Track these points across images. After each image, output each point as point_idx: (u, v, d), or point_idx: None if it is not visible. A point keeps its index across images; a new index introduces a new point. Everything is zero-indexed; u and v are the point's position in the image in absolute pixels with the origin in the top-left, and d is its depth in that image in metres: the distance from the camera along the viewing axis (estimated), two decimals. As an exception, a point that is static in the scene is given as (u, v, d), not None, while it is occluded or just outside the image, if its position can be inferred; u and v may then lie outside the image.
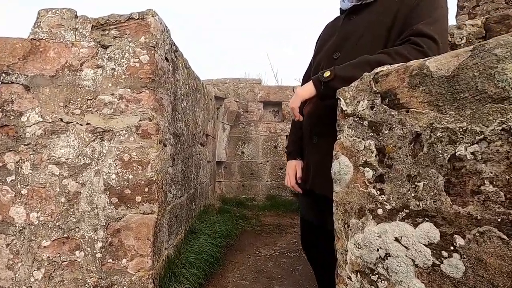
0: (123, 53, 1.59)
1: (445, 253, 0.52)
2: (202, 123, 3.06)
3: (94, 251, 1.54)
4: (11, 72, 1.57)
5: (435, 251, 0.54)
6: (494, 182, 0.47)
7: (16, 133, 1.56)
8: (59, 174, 1.56)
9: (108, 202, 1.56)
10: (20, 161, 1.55)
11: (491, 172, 0.47)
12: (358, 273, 0.67)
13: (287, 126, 4.80)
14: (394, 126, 0.62)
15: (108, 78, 1.60)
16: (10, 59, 1.57)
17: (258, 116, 4.87)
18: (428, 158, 0.56)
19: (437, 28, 0.79)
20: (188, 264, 1.90)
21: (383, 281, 0.62)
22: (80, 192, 1.56)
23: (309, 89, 0.88)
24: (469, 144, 0.50)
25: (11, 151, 1.55)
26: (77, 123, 1.58)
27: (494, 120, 0.47)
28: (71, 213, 1.55)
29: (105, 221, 1.56)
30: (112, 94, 1.59)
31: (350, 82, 0.74)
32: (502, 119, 0.46)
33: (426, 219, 0.55)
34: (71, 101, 1.59)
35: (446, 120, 0.53)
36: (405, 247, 0.58)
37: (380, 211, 0.64)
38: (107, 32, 1.60)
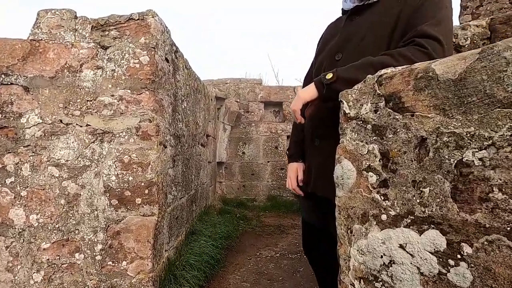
0: (123, 54, 1.58)
1: (452, 262, 0.51)
2: (202, 123, 3.05)
3: (94, 254, 1.53)
4: (10, 73, 1.56)
5: (441, 259, 0.52)
6: (504, 190, 0.45)
7: (15, 135, 1.55)
8: (58, 176, 1.55)
9: (108, 204, 1.55)
10: (20, 162, 1.55)
11: (500, 179, 0.46)
12: (362, 280, 0.66)
13: (288, 126, 4.78)
14: (398, 130, 0.61)
15: (108, 79, 1.58)
16: (10, 60, 1.56)
17: (259, 116, 4.85)
18: (434, 163, 0.55)
19: (442, 29, 0.77)
20: (189, 266, 1.89)
21: (387, 289, 0.60)
22: (80, 194, 1.55)
23: (311, 91, 0.87)
24: (477, 150, 0.48)
25: (10, 152, 1.54)
26: (76, 124, 1.57)
27: (503, 125, 0.45)
28: (71, 215, 1.54)
29: (105, 223, 1.54)
30: (112, 95, 1.58)
31: (353, 84, 0.72)
32: (512, 124, 0.45)
33: (432, 226, 0.54)
34: (71, 102, 1.58)
35: (452, 125, 0.52)
36: (410, 254, 0.57)
37: (384, 217, 0.62)
38: (107, 33, 1.59)
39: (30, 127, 1.56)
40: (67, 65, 1.58)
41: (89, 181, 1.56)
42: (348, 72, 0.81)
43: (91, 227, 1.54)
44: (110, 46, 1.59)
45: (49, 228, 1.53)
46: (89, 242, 1.53)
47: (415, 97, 0.58)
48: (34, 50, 1.58)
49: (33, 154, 1.55)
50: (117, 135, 1.57)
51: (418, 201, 0.57)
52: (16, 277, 1.51)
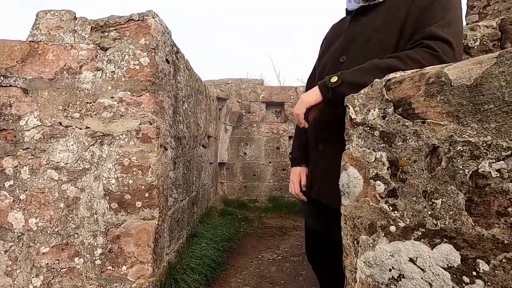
0: (123, 56, 1.56)
1: (466, 279, 0.48)
2: (204, 124, 3.03)
3: (94, 258, 1.51)
4: (9, 75, 1.54)
5: (455, 276, 0.49)
6: (524, 204, 0.42)
7: (14, 137, 1.53)
8: (58, 179, 1.53)
9: (108, 207, 1.53)
10: (19, 165, 1.53)
11: (520, 192, 0.43)
12: (369, 293, 0.63)
13: (290, 126, 4.75)
14: (408, 137, 0.58)
15: (108, 81, 1.56)
16: (9, 61, 1.54)
17: (261, 116, 4.83)
18: (446, 173, 0.52)
19: (452, 30, 0.74)
20: (190, 270, 1.87)
21: (396, 304, 0.58)
22: (79, 198, 1.53)
23: (315, 95, 0.84)
24: (494, 161, 0.46)
25: (9, 155, 1.53)
26: (76, 127, 1.55)
27: (523, 135, 0.42)
28: (70, 219, 1.52)
29: (104, 227, 1.52)
30: (112, 97, 1.56)
31: (359, 88, 0.70)
32: (533, 134, 0.42)
33: (445, 240, 0.51)
34: (70, 105, 1.56)
35: (467, 133, 0.49)
36: (421, 269, 0.54)
37: (393, 228, 0.59)
38: (106, 34, 1.57)
39: (29, 130, 1.54)
40: (67, 66, 1.56)
41: (88, 184, 1.54)
42: (353, 75, 0.78)
43: (90, 231, 1.52)
44: (110, 47, 1.57)
45: (49, 232, 1.51)
46: (89, 246, 1.51)
47: (427, 103, 0.55)
48: (33, 51, 1.56)
49: (32, 157, 1.53)
50: (117, 138, 1.55)
51: (429, 213, 0.54)
52: (15, 282, 1.49)
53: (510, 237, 0.44)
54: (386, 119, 0.62)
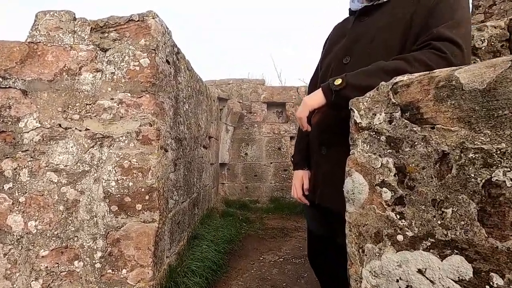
0: (122, 56, 1.54)
1: (479, 293, 0.46)
2: (205, 125, 3.01)
3: (93, 261, 1.49)
4: (8, 77, 1.53)
5: (466, 289, 0.47)
6: (541, 216, 0.40)
7: (13, 139, 1.52)
8: (57, 182, 1.52)
9: (108, 210, 1.52)
10: (18, 168, 1.51)
11: (537, 203, 0.41)
12: (375, 304, 0.61)
13: (291, 127, 4.73)
14: (416, 143, 0.55)
15: (108, 82, 1.54)
16: (8, 63, 1.53)
17: (262, 117, 4.80)
18: (457, 181, 0.49)
19: (461, 31, 0.72)
20: (191, 273, 1.85)
21: (403, 316, 0.56)
22: (79, 200, 1.52)
23: (318, 98, 0.82)
24: (509, 170, 0.43)
25: (8, 157, 1.51)
26: (75, 128, 1.54)
27: (541, 143, 0.40)
28: (70, 222, 1.51)
29: (104, 230, 1.51)
30: (112, 99, 1.54)
31: (364, 91, 0.67)
32: (552, 142, 0.39)
33: (456, 251, 0.49)
34: (70, 106, 1.54)
35: (480, 140, 0.47)
36: (431, 281, 0.52)
37: (400, 237, 0.57)
38: (106, 34, 1.55)
39: (28, 132, 1.52)
40: (66, 68, 1.54)
41: (88, 187, 1.52)
42: (358, 78, 0.76)
43: (90, 234, 1.50)
44: (110, 48, 1.55)
45: (48, 235, 1.50)
46: (89, 250, 1.50)
47: (436, 108, 0.52)
48: (33, 52, 1.54)
49: (32, 159, 1.52)
50: (117, 140, 1.53)
51: (439, 222, 0.51)
52: (15, 285, 1.47)
53: (526, 251, 0.41)
54: (393, 123, 0.59)
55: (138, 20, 1.54)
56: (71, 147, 1.53)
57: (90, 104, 1.54)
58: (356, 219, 0.65)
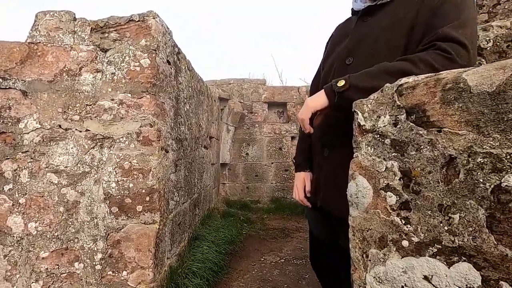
0: (123, 57, 1.53)
1: (488, 302, 0.44)
2: (205, 125, 3.00)
3: (94, 263, 1.48)
4: (8, 77, 1.52)
5: (475, 298, 0.46)
6: (553, 223, 0.39)
7: (13, 140, 1.51)
8: (57, 183, 1.51)
9: (108, 211, 1.51)
10: (18, 169, 1.51)
11: (549, 211, 0.39)
12: (379, 311, 0.60)
13: (292, 127, 4.71)
14: (422, 146, 0.54)
15: (108, 82, 1.54)
16: (7, 63, 1.52)
17: (263, 117, 4.79)
18: (465, 187, 0.48)
19: (467, 32, 0.70)
20: (191, 274, 1.84)
21: (409, 324, 0.54)
22: (79, 201, 1.51)
23: (321, 100, 0.80)
24: (520, 175, 0.42)
25: (8, 159, 1.50)
26: (76, 129, 1.53)
27: (553, 149, 0.39)
28: (70, 223, 1.50)
29: (105, 231, 1.50)
30: (112, 100, 1.53)
31: (368, 93, 0.66)
32: None
33: (464, 258, 0.47)
34: (70, 107, 1.53)
35: (489, 144, 0.45)
36: (437, 288, 0.50)
37: (405, 243, 0.56)
38: (106, 35, 1.54)
39: (28, 133, 1.51)
40: (66, 68, 1.53)
41: (88, 188, 1.51)
42: (362, 79, 0.74)
43: (90, 235, 1.50)
44: (110, 48, 1.54)
45: (48, 236, 1.49)
46: (89, 251, 1.49)
47: (443, 110, 0.51)
48: (32, 53, 1.53)
49: (32, 160, 1.51)
50: (117, 141, 1.53)
51: (446, 228, 0.50)
52: (15, 287, 1.47)
53: (538, 259, 0.40)
54: (398, 126, 0.58)
55: (138, 20, 1.53)
56: (71, 148, 1.52)
57: (90, 105, 1.53)
58: (360, 223, 0.64)
